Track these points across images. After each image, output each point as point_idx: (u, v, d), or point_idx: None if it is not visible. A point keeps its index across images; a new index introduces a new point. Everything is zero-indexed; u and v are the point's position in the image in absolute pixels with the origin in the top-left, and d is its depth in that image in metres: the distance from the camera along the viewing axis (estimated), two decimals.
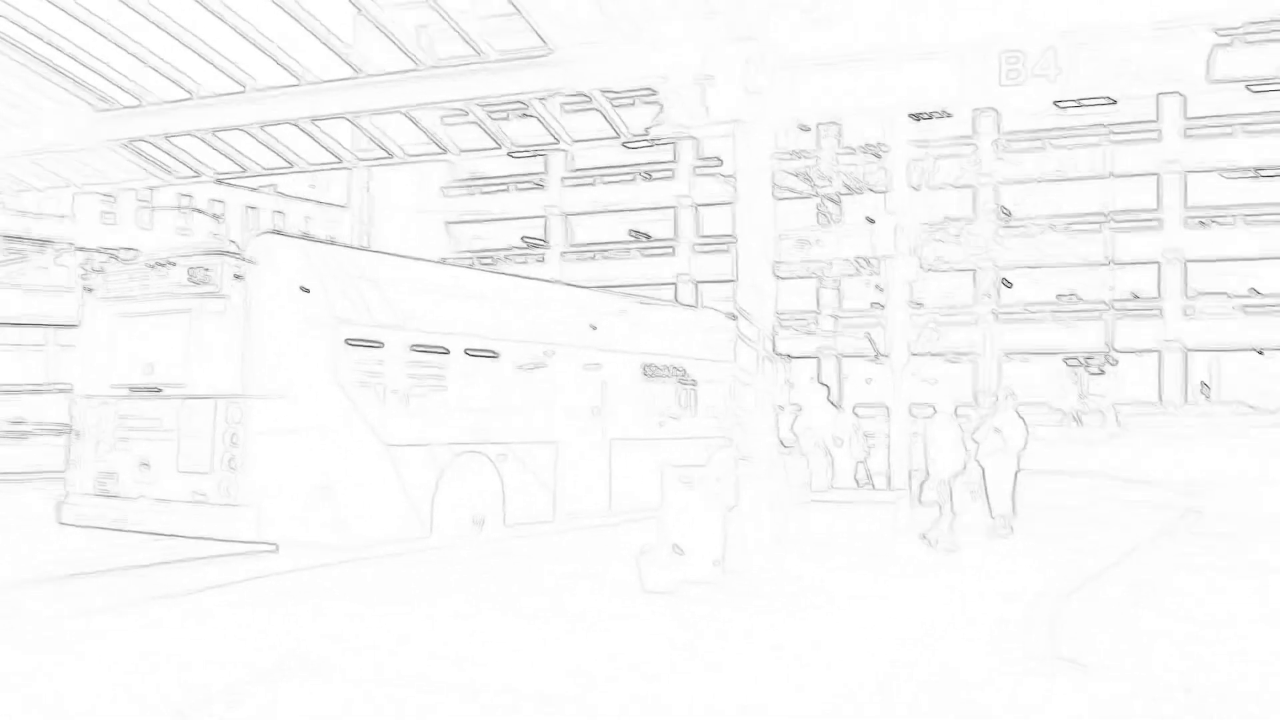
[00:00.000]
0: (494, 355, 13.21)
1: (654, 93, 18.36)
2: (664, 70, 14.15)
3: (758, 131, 12.28)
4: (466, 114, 21.86)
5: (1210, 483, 23.19)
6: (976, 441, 13.25)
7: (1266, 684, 7.18)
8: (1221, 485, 22.96)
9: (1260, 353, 37.29)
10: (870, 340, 31.90)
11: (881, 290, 35.38)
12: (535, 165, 44.44)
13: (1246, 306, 37.44)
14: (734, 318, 19.82)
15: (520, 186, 45.46)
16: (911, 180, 21.40)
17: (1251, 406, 36.03)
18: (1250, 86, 36.27)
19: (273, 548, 11.18)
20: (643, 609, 9.19)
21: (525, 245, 44.95)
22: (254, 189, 44.25)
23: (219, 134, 23.01)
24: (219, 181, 31.92)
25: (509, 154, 25.53)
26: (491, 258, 44.24)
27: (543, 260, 44.11)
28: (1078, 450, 28.28)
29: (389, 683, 6.76)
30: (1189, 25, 14.00)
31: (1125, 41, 12.94)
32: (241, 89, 21.11)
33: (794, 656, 7.71)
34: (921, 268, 26.59)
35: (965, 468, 13.00)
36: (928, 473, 13.05)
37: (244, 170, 24.65)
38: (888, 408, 19.98)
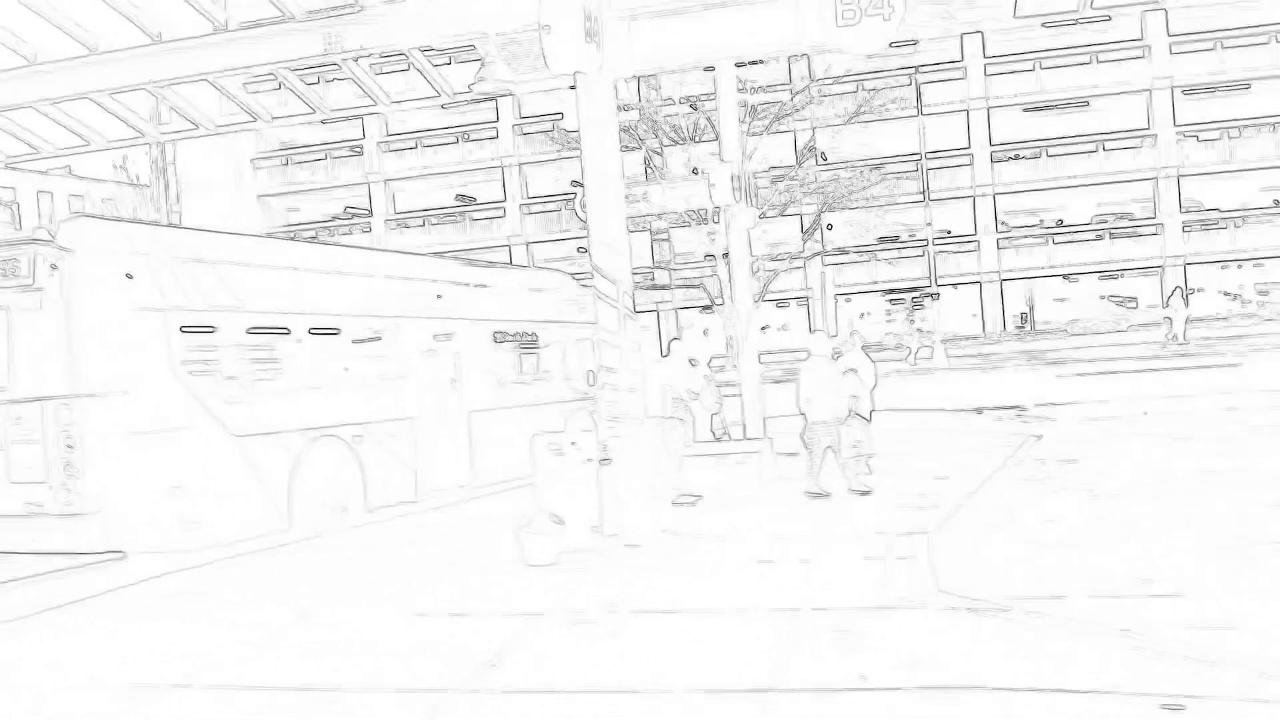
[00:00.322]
0: (339, 332, 12.57)
1: (473, 49, 17.73)
2: (494, 22, 13.64)
3: (599, 83, 11.94)
4: (275, 79, 20.77)
5: (1039, 406, 24.30)
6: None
7: (1144, 603, 7.45)
8: (1049, 408, 24.07)
9: (1067, 278, 39.25)
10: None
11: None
12: (351, 132, 42.87)
13: (1055, 236, 39.38)
14: (582, 277, 19.50)
15: (336, 155, 43.82)
16: (744, 129, 21.47)
17: (1066, 331, 38.00)
18: (1045, 23, 37.95)
19: (119, 557, 10.37)
20: (529, 583, 8.90)
21: (347, 216, 43.40)
22: (46, 172, 41.28)
23: (5, 113, 21.28)
24: (8, 166, 29.62)
25: (323, 121, 24.41)
26: (310, 230, 42.57)
27: (368, 230, 42.71)
28: (911, 384, 29.25)
29: (275, 690, 6.30)
30: None
31: None
32: (27, 62, 19.54)
33: (688, 615, 7.58)
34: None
35: (850, 411, 13.09)
36: (805, 417, 13.07)
37: (36, 151, 22.90)
38: (731, 357, 20.10)
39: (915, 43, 37.11)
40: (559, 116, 40.18)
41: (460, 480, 14.11)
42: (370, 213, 43.43)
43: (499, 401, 15.03)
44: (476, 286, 15.34)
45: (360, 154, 43.58)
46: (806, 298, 40.62)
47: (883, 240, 40.54)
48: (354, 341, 12.71)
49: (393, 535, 12.06)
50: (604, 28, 12.41)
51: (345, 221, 43.41)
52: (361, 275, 13.26)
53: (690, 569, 9.30)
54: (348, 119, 38.53)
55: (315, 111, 21.92)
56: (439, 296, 14.40)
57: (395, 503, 12.95)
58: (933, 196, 39.94)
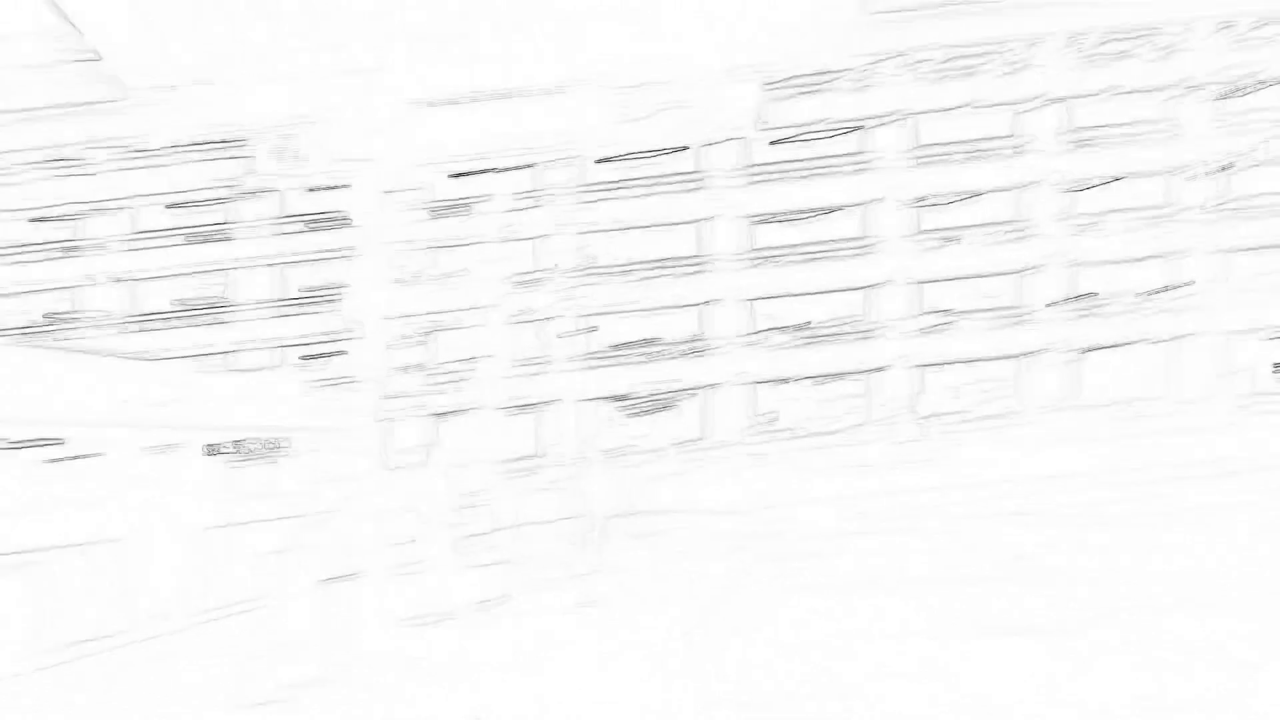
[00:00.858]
0: (38, 445, 11.04)
1: (242, 143, 16.82)
2: (268, 111, 12.86)
3: (379, 173, 11.25)
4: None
5: (775, 507, 24.63)
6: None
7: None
8: (780, 509, 24.44)
9: (818, 381, 40.50)
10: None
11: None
12: (77, 230, 39.87)
13: (806, 338, 40.72)
14: (323, 382, 18.39)
15: (52, 255, 40.55)
16: (508, 232, 21.27)
17: (814, 433, 39.08)
18: (772, 141, 39.94)
19: None
20: None
21: (47, 321, 40.10)
22: None
23: None
24: None
25: (33, 219, 22.51)
26: (28, 334, 39.05)
27: (100, 334, 39.51)
28: (655, 488, 29.19)
29: None
30: (746, 74, 14.65)
31: (689, 89, 13.23)
32: None
33: None
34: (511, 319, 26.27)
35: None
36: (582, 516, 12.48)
37: None
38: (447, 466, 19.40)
39: (685, 148, 38.29)
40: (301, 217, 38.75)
41: (185, 602, 12.59)
42: (109, 315, 40.28)
43: (225, 516, 13.66)
44: (203, 393, 14.03)
45: (83, 253, 40.50)
46: (544, 404, 40.25)
47: (640, 343, 40.86)
48: (52, 455, 11.20)
49: (101, 674, 10.51)
50: (384, 117, 11.87)
51: (65, 329, 40.07)
52: (72, 383, 11.76)
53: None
54: (82, 215, 35.97)
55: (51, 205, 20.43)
56: (159, 405, 13.03)
57: (104, 635, 11.35)
58: (693, 300, 40.72)
